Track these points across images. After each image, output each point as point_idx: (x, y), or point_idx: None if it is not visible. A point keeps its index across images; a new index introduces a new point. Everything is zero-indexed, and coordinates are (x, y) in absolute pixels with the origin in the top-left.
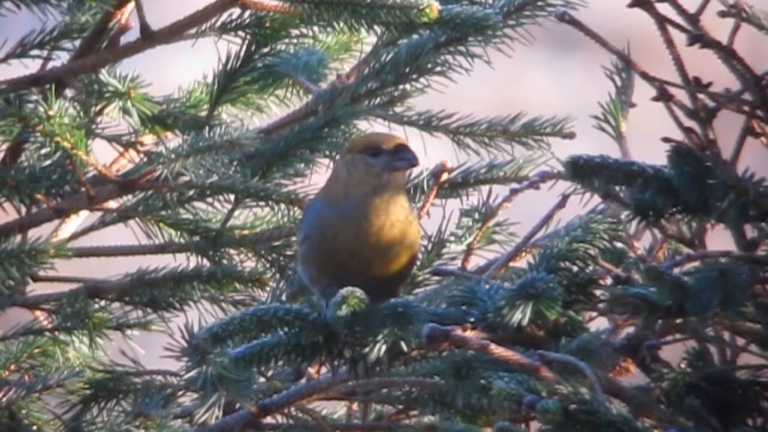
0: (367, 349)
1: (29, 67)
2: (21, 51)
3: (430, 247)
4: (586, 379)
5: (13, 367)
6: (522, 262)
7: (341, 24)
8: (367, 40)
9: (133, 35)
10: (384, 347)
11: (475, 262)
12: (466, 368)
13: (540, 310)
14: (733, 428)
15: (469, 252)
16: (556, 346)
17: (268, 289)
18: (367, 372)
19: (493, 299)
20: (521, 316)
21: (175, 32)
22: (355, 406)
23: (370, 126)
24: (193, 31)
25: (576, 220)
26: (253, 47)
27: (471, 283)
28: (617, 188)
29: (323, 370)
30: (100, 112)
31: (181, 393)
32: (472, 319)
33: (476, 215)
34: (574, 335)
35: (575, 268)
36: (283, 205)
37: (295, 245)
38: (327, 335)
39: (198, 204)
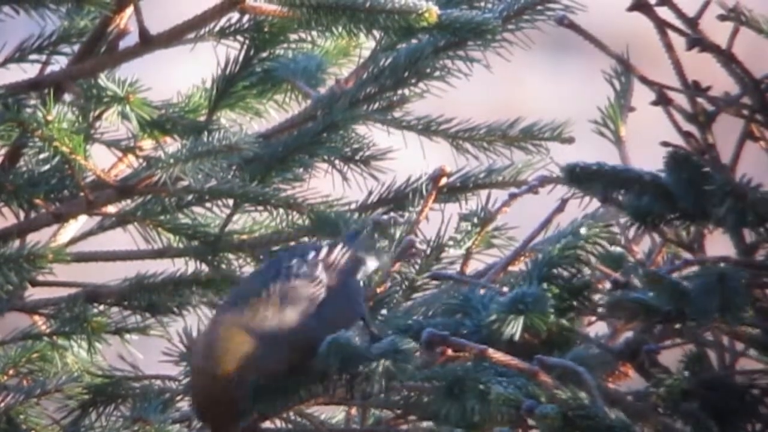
0: (362, 377)
1: (28, 71)
2: (20, 55)
3: (428, 252)
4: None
5: (11, 371)
6: (521, 266)
7: (340, 29)
8: (366, 44)
9: (131, 40)
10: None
11: (474, 266)
12: (458, 387)
13: (532, 323)
14: None
15: (468, 256)
16: (549, 356)
17: None
18: (363, 396)
19: (487, 309)
20: (513, 331)
21: (173, 37)
22: (353, 410)
23: (368, 131)
24: (191, 35)
25: (568, 227)
26: (251, 52)
27: (466, 289)
28: (616, 192)
29: None
30: (98, 117)
31: (179, 398)
32: (465, 332)
33: (475, 219)
34: (567, 347)
35: (567, 274)
36: (281, 210)
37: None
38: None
39: (197, 209)
